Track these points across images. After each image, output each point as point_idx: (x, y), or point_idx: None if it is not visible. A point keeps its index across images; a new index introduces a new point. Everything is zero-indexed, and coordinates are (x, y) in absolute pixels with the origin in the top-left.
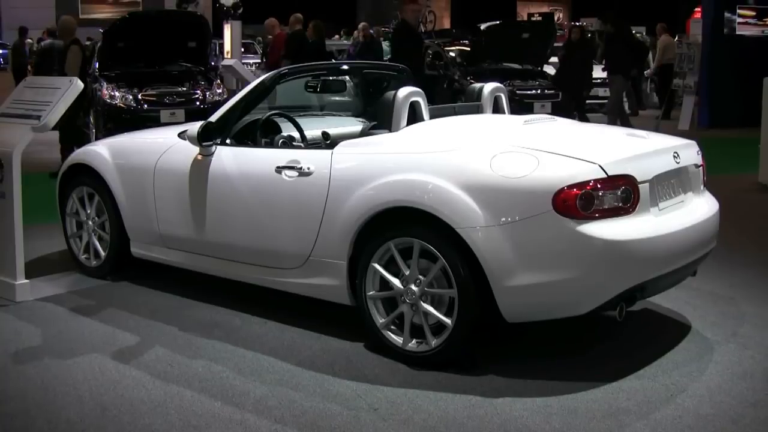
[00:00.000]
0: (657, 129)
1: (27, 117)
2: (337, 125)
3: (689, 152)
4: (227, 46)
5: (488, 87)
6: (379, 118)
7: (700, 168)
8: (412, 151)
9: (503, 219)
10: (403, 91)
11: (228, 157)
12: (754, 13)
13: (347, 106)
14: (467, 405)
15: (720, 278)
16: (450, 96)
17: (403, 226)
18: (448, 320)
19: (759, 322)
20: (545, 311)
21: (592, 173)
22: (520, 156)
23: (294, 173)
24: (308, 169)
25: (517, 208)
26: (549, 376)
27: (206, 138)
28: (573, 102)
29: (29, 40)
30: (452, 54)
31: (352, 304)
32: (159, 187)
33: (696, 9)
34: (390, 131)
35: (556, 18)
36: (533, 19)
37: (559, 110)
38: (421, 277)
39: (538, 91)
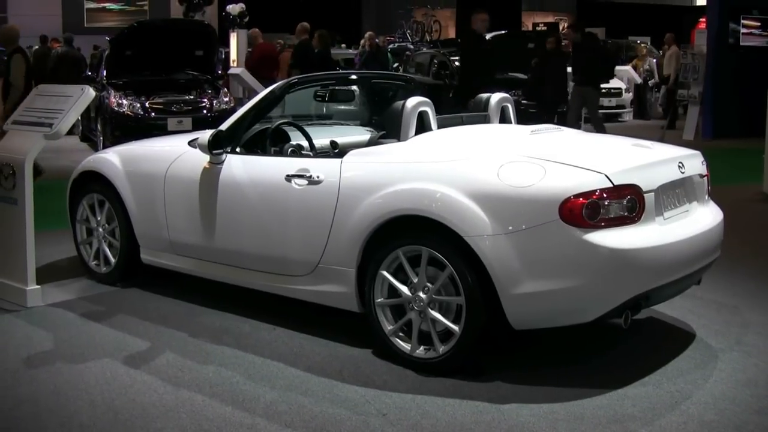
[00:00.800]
0: (662, 139)
1: (39, 125)
2: (345, 134)
3: (694, 162)
4: (233, 55)
5: (495, 97)
6: (387, 127)
7: (705, 178)
8: (421, 161)
9: (510, 227)
10: (412, 101)
11: (238, 166)
12: (758, 24)
13: (354, 115)
14: (474, 411)
15: (724, 287)
16: (455, 105)
17: (412, 235)
18: (455, 327)
19: (763, 331)
20: (551, 318)
21: (598, 183)
22: (527, 165)
23: (303, 181)
24: (318, 177)
25: (524, 216)
26: (555, 383)
27: (216, 146)
28: (545, 114)
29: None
30: (458, 63)
31: (360, 311)
32: (169, 195)
33: (701, 19)
34: (399, 140)
35: (561, 28)
36: (538, 29)
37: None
38: (429, 284)
39: None
